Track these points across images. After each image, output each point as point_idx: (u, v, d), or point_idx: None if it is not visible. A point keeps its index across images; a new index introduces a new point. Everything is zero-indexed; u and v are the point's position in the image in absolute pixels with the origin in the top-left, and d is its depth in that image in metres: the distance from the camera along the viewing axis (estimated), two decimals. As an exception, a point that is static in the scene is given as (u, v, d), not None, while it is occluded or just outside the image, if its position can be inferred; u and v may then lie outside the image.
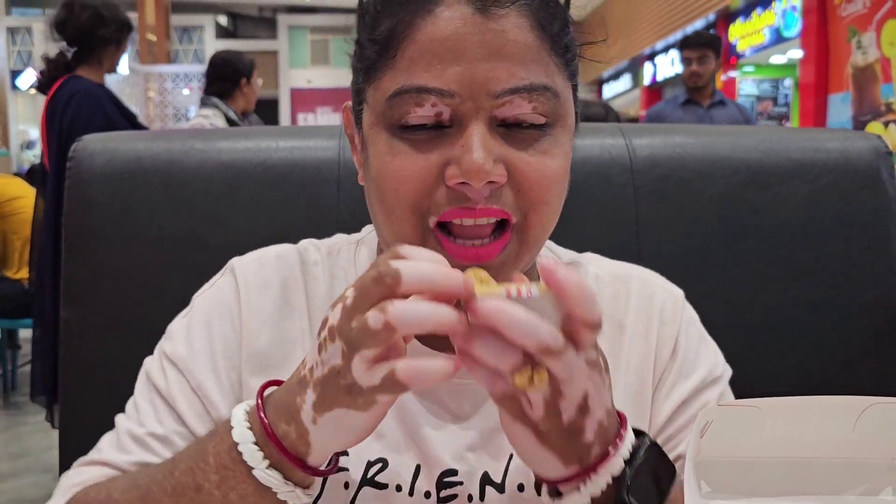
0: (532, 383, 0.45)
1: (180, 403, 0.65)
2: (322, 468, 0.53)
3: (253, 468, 0.51)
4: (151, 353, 0.72)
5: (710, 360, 0.72)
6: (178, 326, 0.69)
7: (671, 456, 0.55)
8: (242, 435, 0.52)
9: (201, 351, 0.67)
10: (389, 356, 0.46)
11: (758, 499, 0.44)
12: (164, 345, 0.69)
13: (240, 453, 0.51)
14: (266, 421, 0.51)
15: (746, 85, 12.08)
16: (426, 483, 0.64)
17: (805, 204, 1.01)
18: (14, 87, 14.68)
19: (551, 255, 0.75)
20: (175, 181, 0.97)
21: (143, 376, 0.69)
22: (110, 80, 2.63)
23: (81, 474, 0.64)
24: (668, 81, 14.98)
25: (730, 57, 12.06)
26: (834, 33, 9.58)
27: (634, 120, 8.09)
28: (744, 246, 1.00)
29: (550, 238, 0.67)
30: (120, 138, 1.00)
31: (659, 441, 0.58)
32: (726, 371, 0.73)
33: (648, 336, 0.69)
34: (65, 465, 0.87)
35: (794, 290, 1.01)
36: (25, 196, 3.53)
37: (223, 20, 18.96)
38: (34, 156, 15.04)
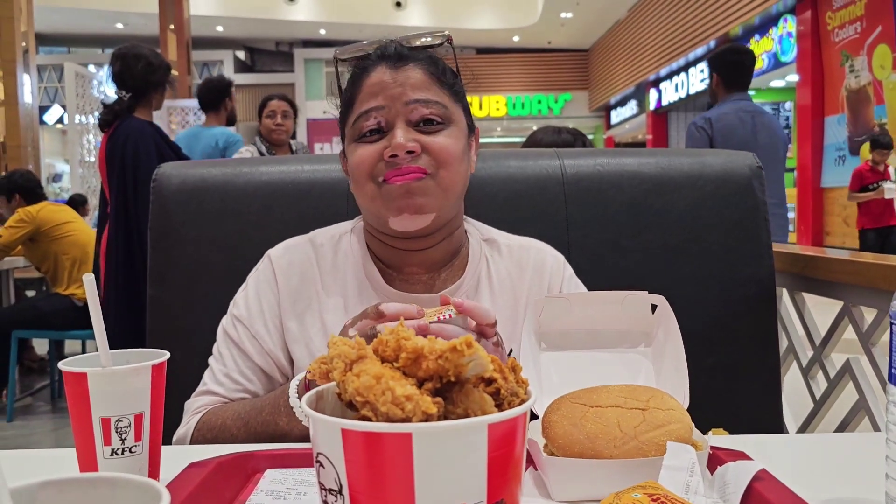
0: None
1: (247, 345, 1.03)
2: None
3: (301, 420, 0.85)
4: (215, 322, 1.09)
5: None
6: (239, 297, 1.08)
7: None
8: (295, 403, 0.85)
9: (255, 311, 1.04)
10: None
11: (569, 351, 0.78)
12: (232, 309, 1.07)
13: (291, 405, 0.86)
14: (307, 388, 0.86)
15: (747, 108, 12.44)
16: None
17: (694, 205, 1.36)
18: (42, 122, 15.33)
19: (475, 231, 1.12)
20: (228, 196, 1.34)
21: (221, 330, 1.07)
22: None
23: (199, 400, 1.03)
24: (673, 106, 15.41)
25: (730, 82, 12.43)
26: (828, 57, 9.92)
27: (642, 144, 8.37)
28: (647, 237, 1.35)
29: (507, 231, 1.10)
30: (189, 165, 1.38)
31: None
32: None
33: (541, 285, 1.06)
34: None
35: (686, 269, 1.36)
36: (74, 221, 3.94)
37: (241, 55, 19.58)
38: (59, 188, 15.53)
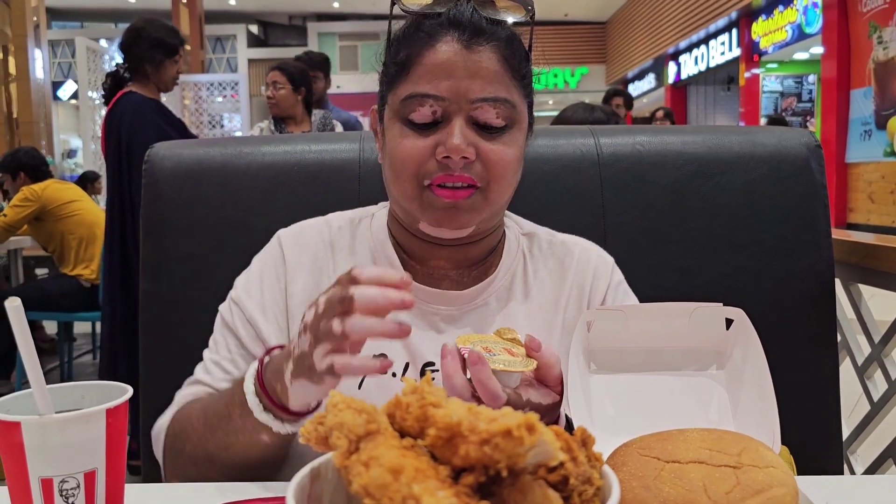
0: None
1: (240, 329, 0.90)
2: (302, 412, 0.75)
3: (253, 412, 0.74)
4: (214, 314, 0.96)
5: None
6: (240, 279, 0.95)
7: None
8: (249, 389, 0.75)
9: (254, 294, 0.92)
10: (342, 350, 0.67)
11: (625, 374, 0.65)
12: (231, 292, 0.95)
13: (247, 402, 0.74)
14: (263, 379, 0.74)
15: (770, 82, 12.12)
16: (413, 372, 0.88)
17: (744, 189, 1.22)
18: (56, 97, 15.22)
19: (514, 224, 0.99)
20: (228, 179, 1.20)
21: (218, 316, 0.94)
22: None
23: (186, 389, 0.91)
24: (692, 79, 15.07)
25: (752, 55, 12.13)
26: (855, 29, 9.61)
27: (648, 120, 8.16)
28: (692, 225, 1.21)
29: (534, 221, 0.96)
30: (184, 145, 1.25)
31: None
32: None
33: (583, 288, 0.92)
34: (147, 417, 1.08)
35: (735, 261, 1.21)
36: (80, 199, 3.83)
37: (255, 29, 19.38)
38: (75, 164, 15.51)
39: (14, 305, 0.46)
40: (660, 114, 5.87)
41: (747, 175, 1.23)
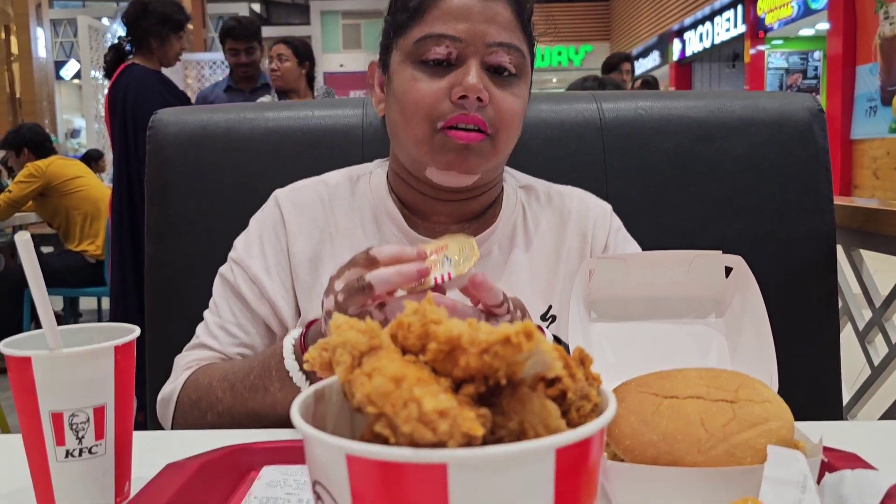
0: None
1: (244, 289, 0.90)
2: None
3: (300, 387, 0.74)
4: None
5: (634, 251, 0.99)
6: (239, 240, 0.95)
7: None
8: (292, 366, 0.75)
9: (255, 253, 0.92)
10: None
11: (625, 322, 0.66)
12: (231, 253, 0.95)
13: (289, 376, 0.75)
14: (304, 347, 0.74)
15: (775, 58, 12.02)
16: None
17: (746, 154, 1.22)
18: (58, 77, 15.17)
19: (510, 177, 1.00)
20: (232, 145, 1.21)
21: (218, 277, 0.94)
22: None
23: (190, 355, 0.91)
24: (697, 56, 14.97)
25: (757, 31, 12.03)
26: (861, 4, 9.51)
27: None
28: (693, 189, 1.21)
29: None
30: (188, 111, 1.25)
31: None
32: None
33: (585, 236, 0.94)
34: (153, 384, 1.08)
35: (737, 225, 1.22)
36: (84, 175, 3.83)
37: (257, 7, 19.25)
38: (78, 144, 15.49)
39: (24, 239, 0.46)
40: (637, 83, 5.69)
41: (749, 139, 1.22)
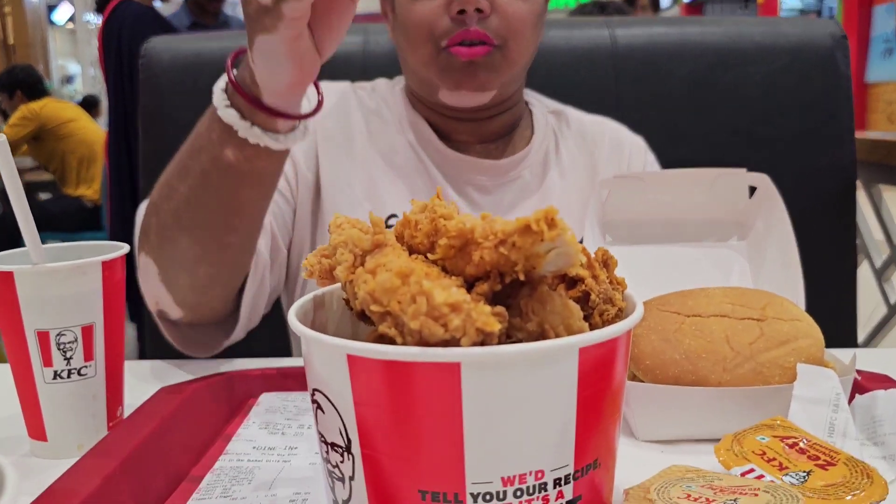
0: None
1: None
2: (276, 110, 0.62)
3: (217, 109, 0.63)
4: None
5: None
6: None
7: None
8: (218, 86, 0.65)
9: None
10: None
11: (642, 245, 0.63)
12: None
13: (226, 121, 0.62)
14: (231, 73, 0.64)
15: (788, -1, 11.74)
16: None
17: (765, 82, 1.17)
18: (51, 22, 14.86)
19: (538, 102, 0.96)
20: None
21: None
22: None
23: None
24: (707, -2, 14.60)
25: (771, -30, 11.69)
26: (878, -59, 9.24)
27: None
28: (710, 119, 1.16)
29: None
30: (182, 39, 1.20)
31: None
32: None
33: (620, 164, 0.90)
34: (150, 316, 1.06)
35: (754, 157, 1.17)
36: (79, 118, 3.77)
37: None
38: (74, 90, 15.29)
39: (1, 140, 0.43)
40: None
41: (768, 66, 1.17)
